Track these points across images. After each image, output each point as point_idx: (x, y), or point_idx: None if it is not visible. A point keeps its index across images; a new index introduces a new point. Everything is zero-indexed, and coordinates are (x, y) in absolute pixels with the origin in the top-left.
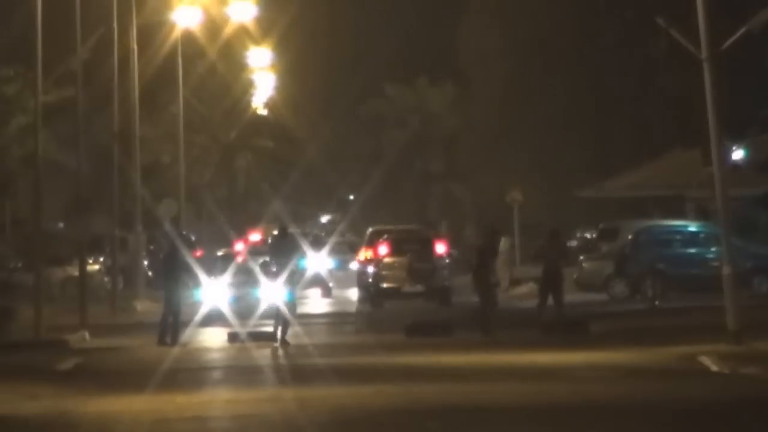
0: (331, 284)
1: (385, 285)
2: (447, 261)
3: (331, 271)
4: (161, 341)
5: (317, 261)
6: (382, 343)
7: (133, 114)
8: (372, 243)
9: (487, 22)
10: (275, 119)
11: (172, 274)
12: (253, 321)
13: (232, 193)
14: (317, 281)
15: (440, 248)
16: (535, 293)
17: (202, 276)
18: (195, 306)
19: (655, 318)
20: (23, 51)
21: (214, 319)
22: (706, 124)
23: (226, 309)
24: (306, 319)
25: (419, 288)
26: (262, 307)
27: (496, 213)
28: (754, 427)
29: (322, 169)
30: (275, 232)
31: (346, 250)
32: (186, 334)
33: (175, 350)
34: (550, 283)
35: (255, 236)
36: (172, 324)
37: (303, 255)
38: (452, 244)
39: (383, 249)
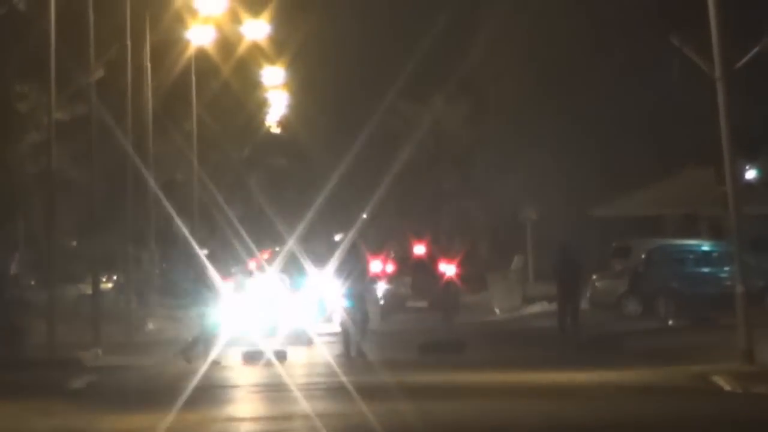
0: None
1: (391, 299)
2: (451, 277)
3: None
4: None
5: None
6: (395, 362)
7: (146, 131)
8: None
9: (502, 40)
10: (289, 137)
11: (199, 294)
12: (267, 339)
13: (248, 211)
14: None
15: (444, 265)
16: (550, 310)
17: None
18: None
19: (668, 337)
20: (37, 68)
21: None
22: (720, 143)
23: (241, 327)
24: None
25: (422, 303)
26: (279, 325)
27: (508, 231)
28: None
29: (335, 187)
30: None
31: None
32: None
33: (187, 367)
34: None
35: (264, 256)
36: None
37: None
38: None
39: (390, 266)
